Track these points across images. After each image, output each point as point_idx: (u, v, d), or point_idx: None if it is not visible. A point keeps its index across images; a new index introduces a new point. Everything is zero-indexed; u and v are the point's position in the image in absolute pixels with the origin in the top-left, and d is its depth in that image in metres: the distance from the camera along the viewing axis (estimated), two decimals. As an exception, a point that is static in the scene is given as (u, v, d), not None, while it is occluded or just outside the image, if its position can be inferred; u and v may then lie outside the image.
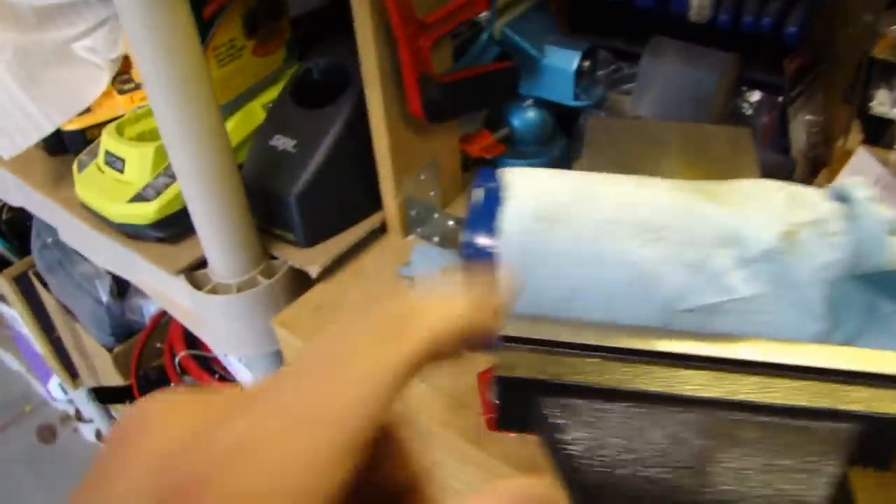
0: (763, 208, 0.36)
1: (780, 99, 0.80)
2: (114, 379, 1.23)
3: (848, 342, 0.40)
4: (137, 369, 1.15)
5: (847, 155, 0.79)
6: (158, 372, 1.18)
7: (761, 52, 0.80)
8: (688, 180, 0.39)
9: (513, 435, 0.60)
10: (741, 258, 0.35)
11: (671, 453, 0.33)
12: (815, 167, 0.83)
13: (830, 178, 0.79)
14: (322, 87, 0.81)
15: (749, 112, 0.82)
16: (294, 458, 0.19)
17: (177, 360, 1.08)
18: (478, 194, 0.37)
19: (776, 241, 0.35)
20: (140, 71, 0.65)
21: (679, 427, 0.34)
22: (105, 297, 1.17)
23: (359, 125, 0.76)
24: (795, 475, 0.33)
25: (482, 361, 0.64)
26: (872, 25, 0.73)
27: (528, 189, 0.37)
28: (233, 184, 0.71)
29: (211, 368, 1.09)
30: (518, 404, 0.35)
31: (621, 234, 0.36)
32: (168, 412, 0.21)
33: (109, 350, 1.22)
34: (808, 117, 0.80)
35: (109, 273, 1.19)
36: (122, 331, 1.23)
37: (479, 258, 0.36)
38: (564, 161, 0.88)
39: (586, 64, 0.78)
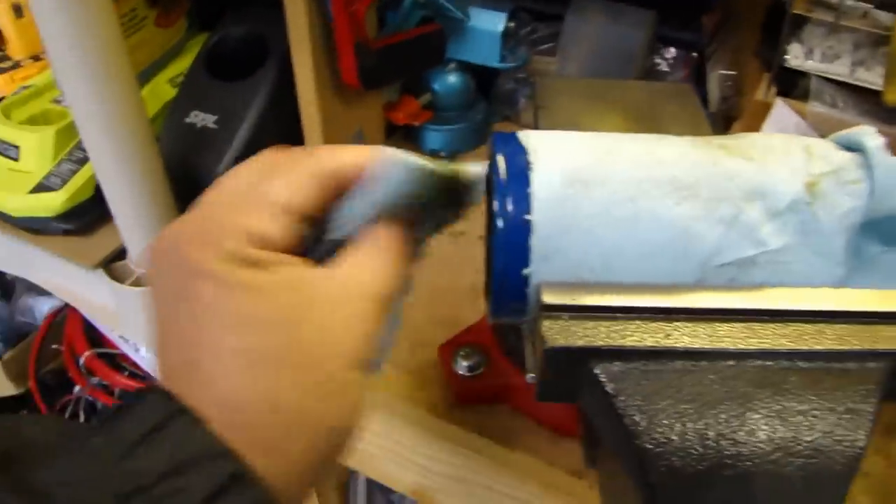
0: (784, 162, 0.37)
1: (695, 55, 0.83)
2: (4, 389, 1.12)
3: (841, 284, 0.41)
4: (36, 374, 1.06)
5: (759, 107, 0.82)
6: (57, 376, 1.09)
7: (675, 9, 0.82)
8: (702, 136, 0.39)
9: (483, 406, 0.60)
10: (770, 211, 0.35)
11: (723, 405, 0.33)
12: (728, 120, 0.86)
13: (744, 131, 0.82)
14: (237, 57, 0.76)
15: (665, 68, 0.83)
16: None
17: (82, 360, 1.00)
18: (500, 161, 0.36)
19: (801, 193, 0.36)
20: (47, 43, 0.58)
21: (728, 379, 0.34)
22: (-9, 301, 1.07)
23: (283, 96, 0.72)
24: (842, 416, 0.34)
25: (441, 335, 0.63)
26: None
27: (555, 152, 0.36)
28: (154, 164, 0.66)
29: (119, 366, 1.01)
30: (564, 375, 0.34)
31: (655, 193, 0.35)
32: None
33: (-3, 357, 1.11)
34: (722, 72, 0.83)
35: (-8, 273, 1.09)
36: (12, 335, 1.12)
37: (513, 227, 0.34)
38: (486, 125, 0.87)
39: (511, 25, 0.78)
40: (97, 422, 0.28)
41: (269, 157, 0.34)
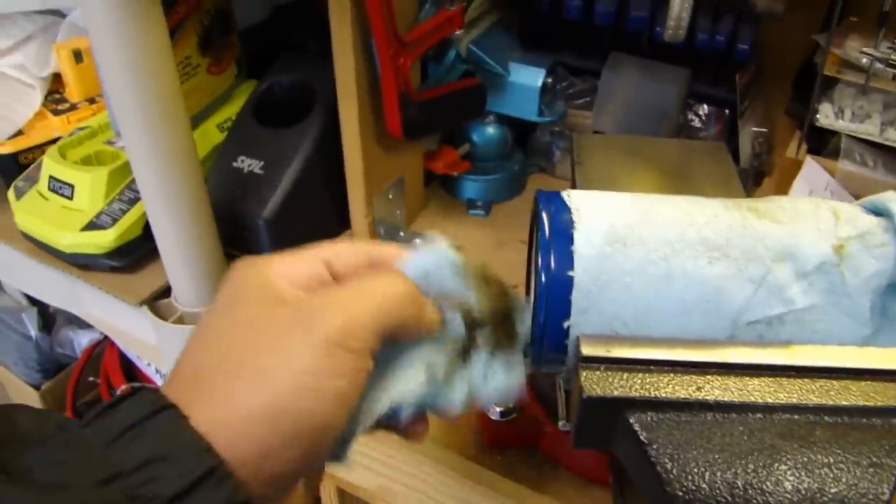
0: (812, 225, 0.38)
1: (727, 112, 0.85)
2: (41, 417, 1.14)
3: (868, 342, 0.42)
4: (73, 405, 1.08)
5: (790, 164, 0.83)
6: (91, 407, 1.11)
7: (708, 67, 0.84)
8: (732, 199, 0.41)
9: (512, 450, 0.61)
10: (798, 272, 0.37)
11: (751, 456, 0.35)
12: (759, 176, 0.87)
13: (775, 187, 0.84)
14: (283, 105, 0.80)
15: (698, 124, 0.85)
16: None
17: (117, 393, 1.02)
18: (545, 219, 0.38)
19: (829, 255, 0.37)
20: (108, 89, 0.62)
21: (756, 431, 0.35)
22: (34, 332, 1.10)
23: (327, 144, 0.75)
24: (866, 471, 0.35)
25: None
26: (813, 43, 0.78)
27: (596, 212, 0.38)
28: (202, 206, 0.69)
29: (154, 400, 1.03)
30: (600, 423, 0.36)
31: (688, 252, 0.37)
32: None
33: (36, 388, 1.14)
34: (754, 129, 0.85)
35: (35, 305, 1.12)
36: (51, 366, 1.15)
37: (555, 282, 0.36)
38: (522, 175, 0.90)
39: (549, 80, 0.80)
40: (91, 414, 0.30)
41: None
